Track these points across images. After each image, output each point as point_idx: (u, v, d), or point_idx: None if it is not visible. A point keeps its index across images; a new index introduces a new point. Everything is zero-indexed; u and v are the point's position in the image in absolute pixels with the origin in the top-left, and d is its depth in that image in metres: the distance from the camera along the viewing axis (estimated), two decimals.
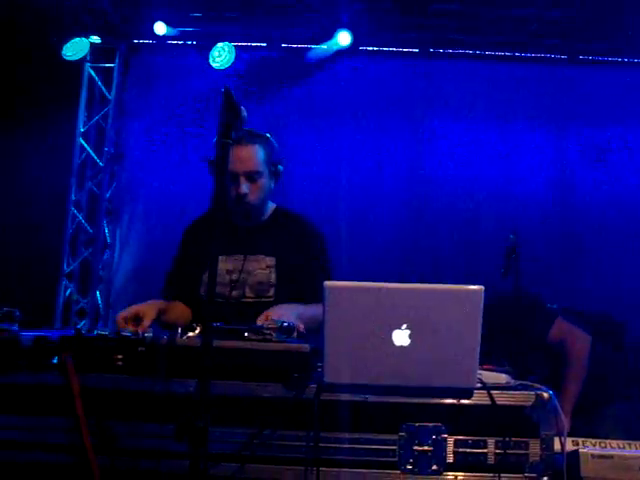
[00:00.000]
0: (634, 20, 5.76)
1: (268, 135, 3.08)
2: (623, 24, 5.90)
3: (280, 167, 3.08)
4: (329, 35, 6.25)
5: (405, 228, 6.24)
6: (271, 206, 3.18)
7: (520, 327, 3.53)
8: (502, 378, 2.13)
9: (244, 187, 2.94)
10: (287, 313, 2.64)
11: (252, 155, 2.96)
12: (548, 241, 5.86)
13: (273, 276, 2.99)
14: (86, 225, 6.53)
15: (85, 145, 6.55)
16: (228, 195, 2.94)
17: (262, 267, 2.99)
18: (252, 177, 2.97)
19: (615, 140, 6.30)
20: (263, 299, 2.96)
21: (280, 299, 2.93)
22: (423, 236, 6.21)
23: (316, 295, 2.78)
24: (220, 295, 2.94)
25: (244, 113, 1.95)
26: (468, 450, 2.02)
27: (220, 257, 2.98)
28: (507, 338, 3.44)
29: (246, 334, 2.19)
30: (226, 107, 1.85)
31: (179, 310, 3.03)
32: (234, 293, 2.98)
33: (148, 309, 2.66)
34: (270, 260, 3.01)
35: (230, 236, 3.01)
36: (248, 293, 2.98)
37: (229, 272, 3.00)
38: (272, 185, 3.09)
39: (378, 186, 6.30)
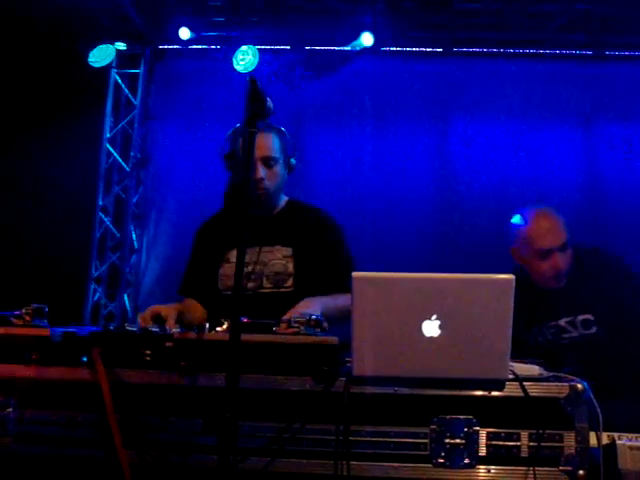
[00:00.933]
0: None
1: (283, 129, 3.10)
2: None
3: (293, 160, 3.10)
4: (352, 37, 6.25)
5: (431, 228, 6.19)
6: (284, 198, 3.18)
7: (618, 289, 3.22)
8: (534, 370, 2.08)
9: (261, 172, 2.95)
10: (313, 307, 2.63)
11: (269, 142, 2.98)
12: (579, 238, 5.76)
13: (291, 266, 2.97)
14: (113, 230, 6.57)
15: (112, 150, 6.60)
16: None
17: (278, 257, 2.98)
18: (268, 163, 2.98)
19: None
20: (282, 289, 2.96)
21: (299, 289, 2.92)
22: (450, 236, 6.16)
23: (339, 284, 2.80)
24: None
25: (270, 103, 1.95)
26: (501, 443, 1.99)
27: (235, 250, 2.98)
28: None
29: (274, 328, 2.18)
30: (251, 96, 1.85)
31: (195, 310, 3.03)
32: (250, 284, 2.97)
33: (169, 309, 2.66)
34: (287, 250, 3.00)
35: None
36: (265, 284, 2.97)
37: (245, 264, 2.98)
38: (286, 176, 3.11)
39: (402, 186, 6.26)
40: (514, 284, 1.92)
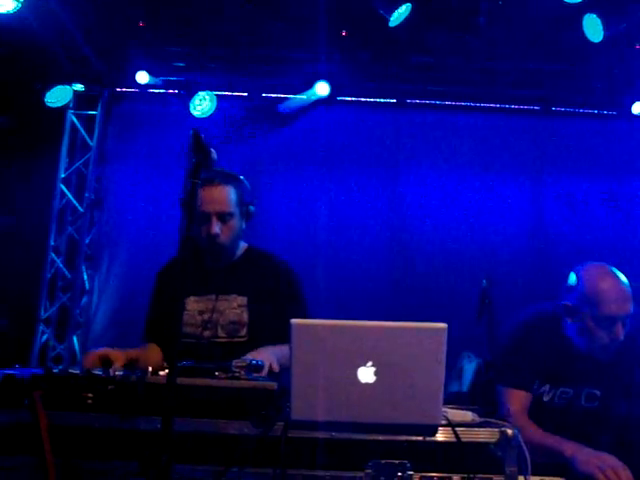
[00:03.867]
0: (603, 73, 5.98)
1: (241, 177, 3.10)
2: (593, 77, 6.12)
3: (252, 208, 3.10)
4: (308, 85, 6.38)
5: (384, 273, 6.29)
6: (243, 246, 3.19)
7: None
8: (468, 416, 2.15)
9: (216, 227, 2.95)
10: (267, 355, 2.65)
11: (224, 196, 2.97)
12: (523, 287, 5.91)
13: (245, 315, 3.00)
14: (65, 270, 6.52)
15: (66, 191, 6.59)
16: (199, 235, 2.97)
17: (233, 306, 3.01)
18: (224, 218, 2.98)
19: (589, 188, 6.43)
20: (235, 339, 2.98)
21: (253, 338, 2.95)
22: (402, 281, 6.26)
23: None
24: (192, 335, 2.95)
25: (214, 155, 2.00)
26: None
27: (192, 298, 3.00)
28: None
29: (216, 373, 2.21)
30: (195, 148, 1.91)
31: (151, 356, 2.99)
32: (206, 333, 2.99)
33: (118, 354, 2.67)
34: (242, 299, 3.02)
35: (202, 277, 3.03)
36: (220, 333, 2.99)
37: (201, 313, 3.01)
38: (243, 226, 3.10)
39: (356, 233, 6.37)
40: (446, 332, 1.99)
